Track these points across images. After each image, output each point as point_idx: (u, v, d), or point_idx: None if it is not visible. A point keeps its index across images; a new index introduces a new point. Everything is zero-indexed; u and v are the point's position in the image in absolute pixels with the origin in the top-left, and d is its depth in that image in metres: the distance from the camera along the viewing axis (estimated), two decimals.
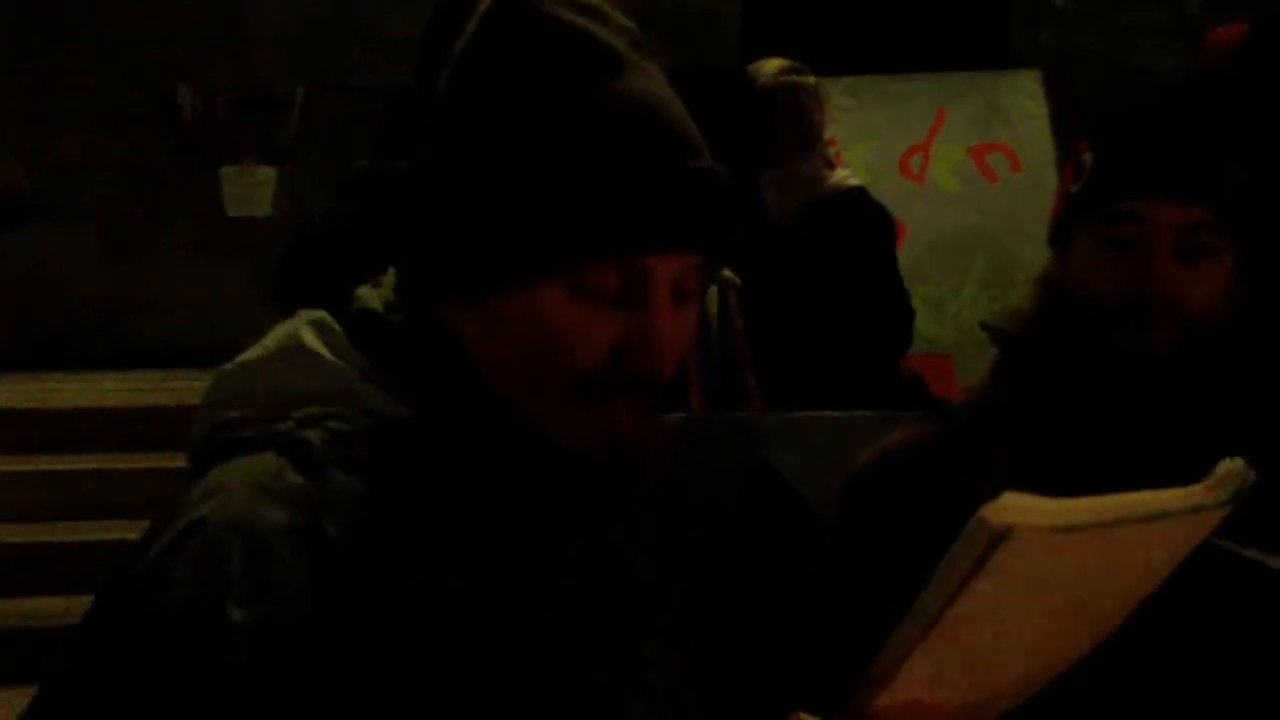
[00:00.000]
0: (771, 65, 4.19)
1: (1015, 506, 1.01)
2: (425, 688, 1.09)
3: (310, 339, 1.18)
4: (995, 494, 1.06)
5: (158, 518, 1.13)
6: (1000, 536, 1.00)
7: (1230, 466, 1.11)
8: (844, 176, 4.33)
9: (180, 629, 1.05)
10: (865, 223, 4.22)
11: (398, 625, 1.08)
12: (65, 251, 8.96)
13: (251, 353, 1.20)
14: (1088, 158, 1.66)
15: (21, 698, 1.24)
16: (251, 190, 9.07)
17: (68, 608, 5.41)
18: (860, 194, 4.26)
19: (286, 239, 5.25)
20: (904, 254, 4.78)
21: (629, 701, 1.20)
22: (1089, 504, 1.04)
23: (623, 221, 1.12)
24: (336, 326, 1.19)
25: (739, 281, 3.85)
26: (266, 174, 9.07)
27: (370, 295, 1.22)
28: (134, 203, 9.04)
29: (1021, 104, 6.35)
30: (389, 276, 1.23)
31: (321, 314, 1.20)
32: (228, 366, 1.20)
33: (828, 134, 4.42)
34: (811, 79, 4.20)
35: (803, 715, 1.09)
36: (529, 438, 1.15)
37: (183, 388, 7.05)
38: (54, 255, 8.94)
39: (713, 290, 3.94)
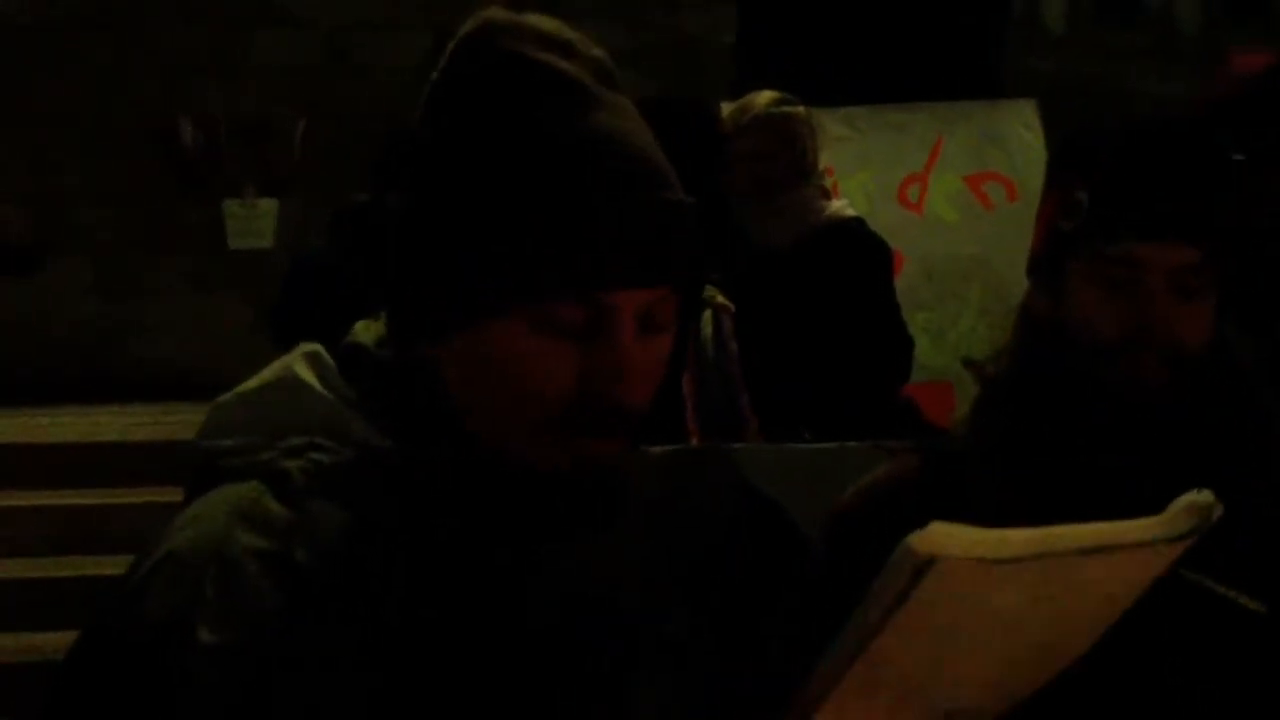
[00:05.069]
0: (764, 97, 4.20)
1: (941, 537, 0.98)
2: (393, 714, 1.09)
3: (303, 371, 1.21)
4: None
5: (143, 549, 1.15)
6: (923, 567, 0.97)
7: (1194, 499, 1.08)
8: (841, 207, 4.33)
9: (151, 649, 1.07)
10: (863, 253, 4.22)
11: (366, 652, 1.10)
12: (63, 284, 8.97)
13: (248, 384, 1.23)
14: (1082, 196, 1.66)
15: None
16: (254, 222, 9.10)
17: (63, 643, 5.38)
18: (858, 224, 4.26)
19: (286, 270, 5.26)
20: (902, 283, 4.79)
21: None
22: (1024, 535, 1.01)
23: (580, 258, 1.12)
24: (329, 360, 1.22)
25: (732, 307, 3.84)
26: (269, 206, 9.10)
27: (365, 329, 1.24)
28: (132, 234, 9.05)
29: (1018, 133, 6.37)
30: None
31: (317, 347, 1.23)
32: (224, 398, 1.23)
33: (823, 164, 4.42)
34: (803, 109, 4.21)
35: None
36: (504, 468, 1.16)
37: (179, 421, 7.04)
38: (52, 287, 8.95)
39: (707, 314, 3.94)
